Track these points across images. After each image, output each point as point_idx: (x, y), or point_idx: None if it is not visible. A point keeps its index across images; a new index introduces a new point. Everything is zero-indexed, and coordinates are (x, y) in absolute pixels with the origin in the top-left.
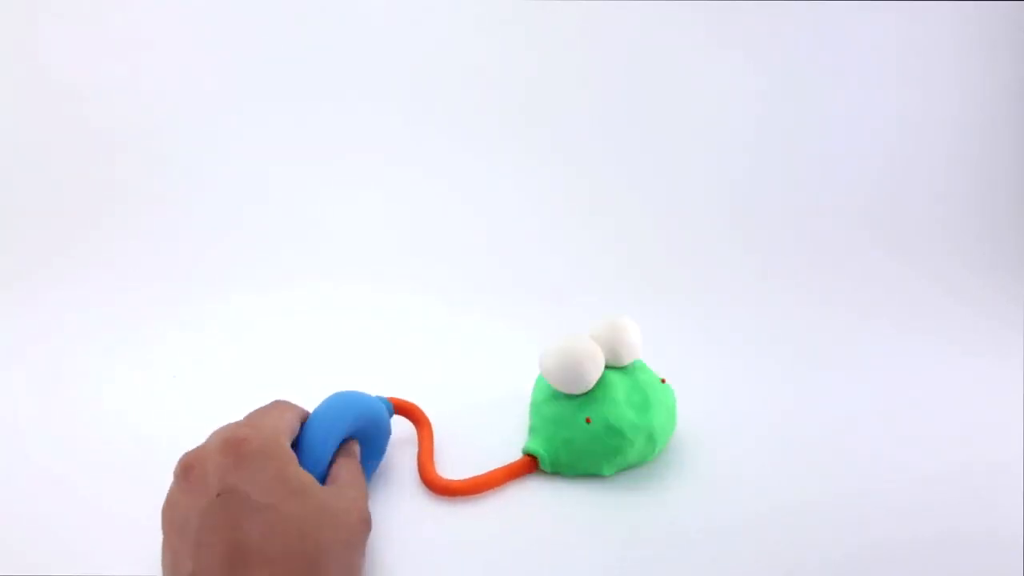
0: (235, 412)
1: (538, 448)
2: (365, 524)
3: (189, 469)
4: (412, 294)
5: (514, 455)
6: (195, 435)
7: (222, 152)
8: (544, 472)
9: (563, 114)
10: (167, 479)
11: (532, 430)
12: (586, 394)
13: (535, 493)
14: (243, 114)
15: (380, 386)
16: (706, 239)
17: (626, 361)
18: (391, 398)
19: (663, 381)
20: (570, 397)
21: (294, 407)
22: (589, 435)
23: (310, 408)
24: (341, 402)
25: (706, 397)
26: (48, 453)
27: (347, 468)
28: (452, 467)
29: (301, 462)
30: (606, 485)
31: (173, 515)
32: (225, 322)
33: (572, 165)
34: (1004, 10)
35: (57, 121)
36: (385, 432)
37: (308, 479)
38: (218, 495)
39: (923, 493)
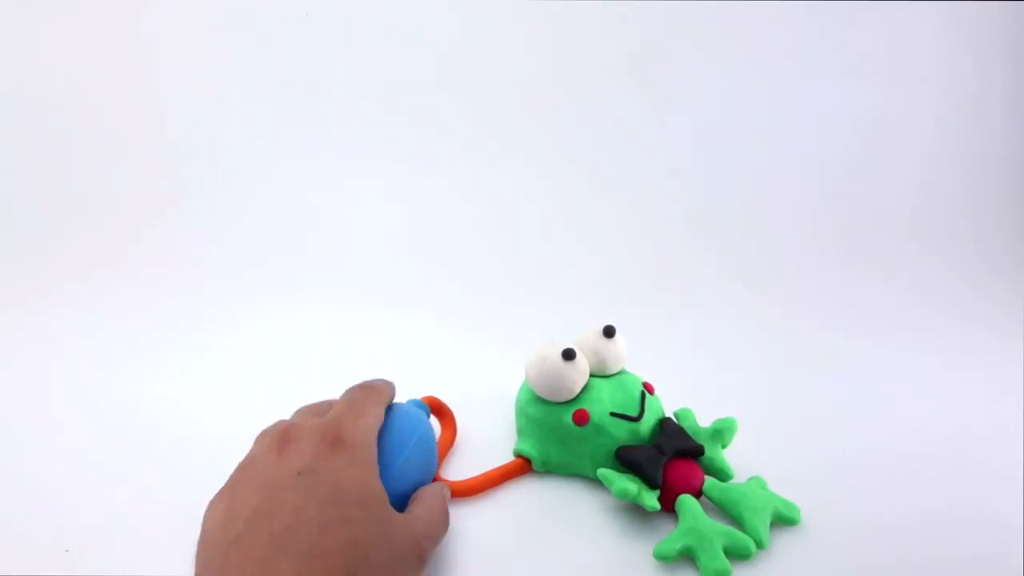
0: (236, 412)
1: (528, 449)
2: (419, 561)
3: (286, 439)
4: (401, 303)
5: (506, 456)
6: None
7: (237, 163)
8: (538, 472)
9: (549, 126)
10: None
11: (520, 432)
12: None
13: (531, 492)
14: (244, 125)
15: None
16: (694, 247)
17: (612, 370)
18: (425, 398)
19: (651, 391)
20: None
21: (382, 396)
22: (575, 435)
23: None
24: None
25: (694, 405)
26: (78, 449)
27: (429, 502)
28: (443, 473)
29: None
30: (600, 486)
31: (247, 472)
32: (222, 326)
33: (560, 174)
34: (991, 9)
35: (85, 132)
36: (436, 452)
37: (381, 496)
38: (299, 473)
39: (915, 495)
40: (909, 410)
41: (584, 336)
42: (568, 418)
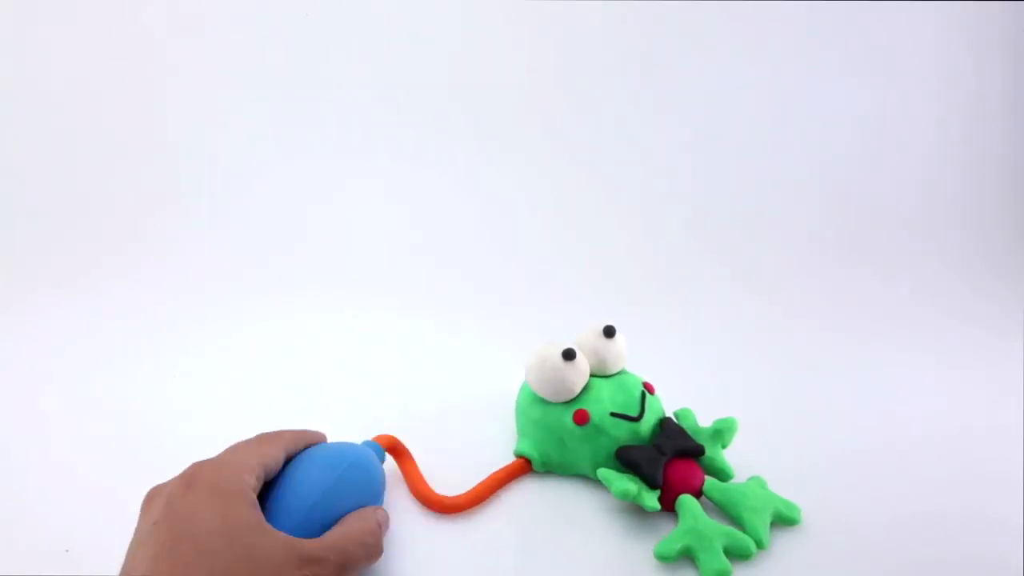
0: (236, 412)
1: (529, 450)
2: None
3: (148, 499)
4: (401, 303)
5: (506, 456)
6: (211, 434)
7: (235, 167)
8: (538, 472)
9: (549, 125)
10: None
11: (520, 432)
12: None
13: (531, 492)
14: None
15: (366, 394)
16: (694, 247)
17: (612, 370)
18: (376, 438)
19: (651, 391)
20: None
21: (277, 438)
22: (575, 435)
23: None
24: (329, 457)
25: (694, 405)
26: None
27: (347, 525)
28: (444, 474)
29: (282, 499)
30: (600, 486)
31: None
32: (222, 326)
33: (560, 175)
34: (991, 9)
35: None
36: (380, 481)
37: (252, 522)
38: (154, 523)
39: (915, 495)
40: (909, 410)
41: (584, 336)
42: (568, 418)
